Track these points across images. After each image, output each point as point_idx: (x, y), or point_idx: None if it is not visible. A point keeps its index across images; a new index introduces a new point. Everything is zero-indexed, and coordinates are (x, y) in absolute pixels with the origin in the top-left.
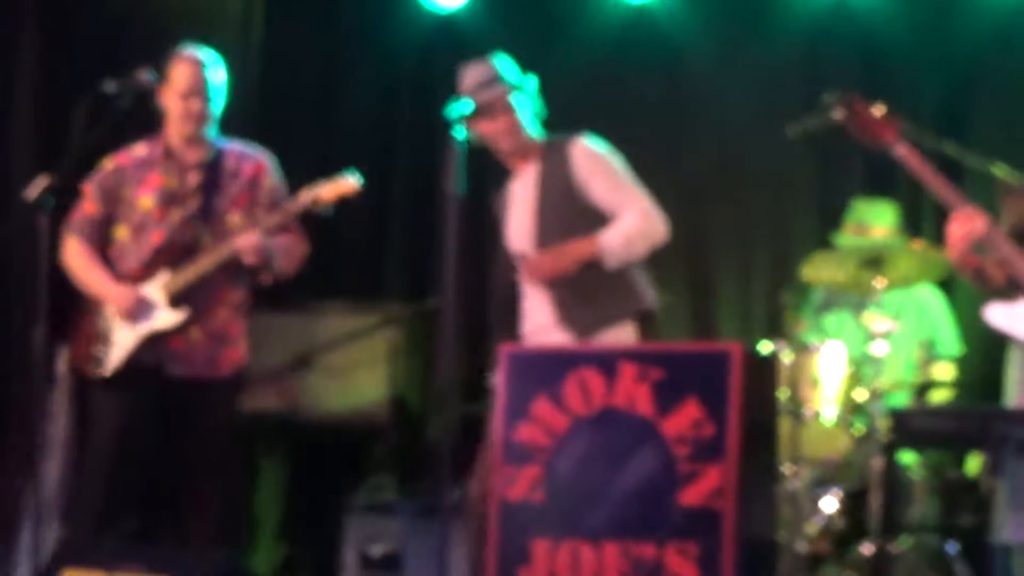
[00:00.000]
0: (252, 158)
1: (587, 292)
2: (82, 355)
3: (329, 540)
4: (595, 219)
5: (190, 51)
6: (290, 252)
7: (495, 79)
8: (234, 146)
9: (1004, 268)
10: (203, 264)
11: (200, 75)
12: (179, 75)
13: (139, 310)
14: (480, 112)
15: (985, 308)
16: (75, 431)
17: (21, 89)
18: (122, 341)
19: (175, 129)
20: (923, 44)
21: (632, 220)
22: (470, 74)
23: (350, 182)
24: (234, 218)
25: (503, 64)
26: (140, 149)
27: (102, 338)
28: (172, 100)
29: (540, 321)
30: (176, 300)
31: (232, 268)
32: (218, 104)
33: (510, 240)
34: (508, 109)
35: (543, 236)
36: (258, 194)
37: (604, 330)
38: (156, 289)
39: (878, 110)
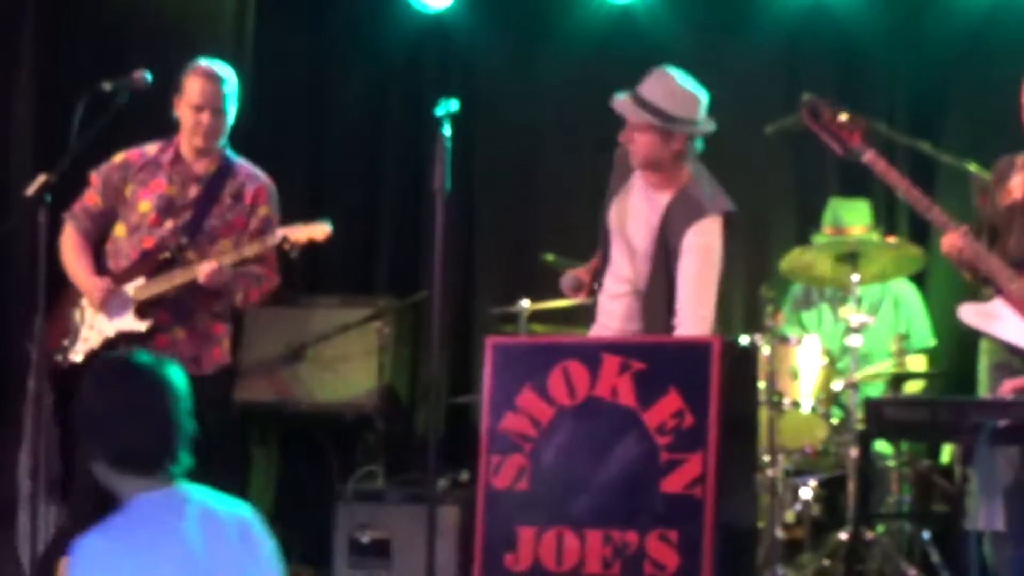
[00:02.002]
0: (256, 182)
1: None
2: (52, 345)
3: (320, 527)
4: (669, 278)
5: (205, 64)
6: (259, 282)
7: (676, 120)
8: (243, 164)
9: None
10: (173, 281)
11: (213, 89)
12: (192, 88)
13: (112, 304)
14: (653, 129)
15: (958, 307)
16: (55, 416)
17: (20, 89)
18: (88, 336)
19: (186, 139)
20: (898, 45)
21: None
22: (667, 87)
23: (322, 228)
24: (226, 242)
25: (693, 96)
26: (152, 148)
27: (73, 330)
28: (185, 112)
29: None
30: (143, 308)
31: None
32: (230, 116)
33: (620, 243)
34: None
35: (646, 273)
36: (251, 220)
37: None
38: (129, 292)
39: (843, 116)
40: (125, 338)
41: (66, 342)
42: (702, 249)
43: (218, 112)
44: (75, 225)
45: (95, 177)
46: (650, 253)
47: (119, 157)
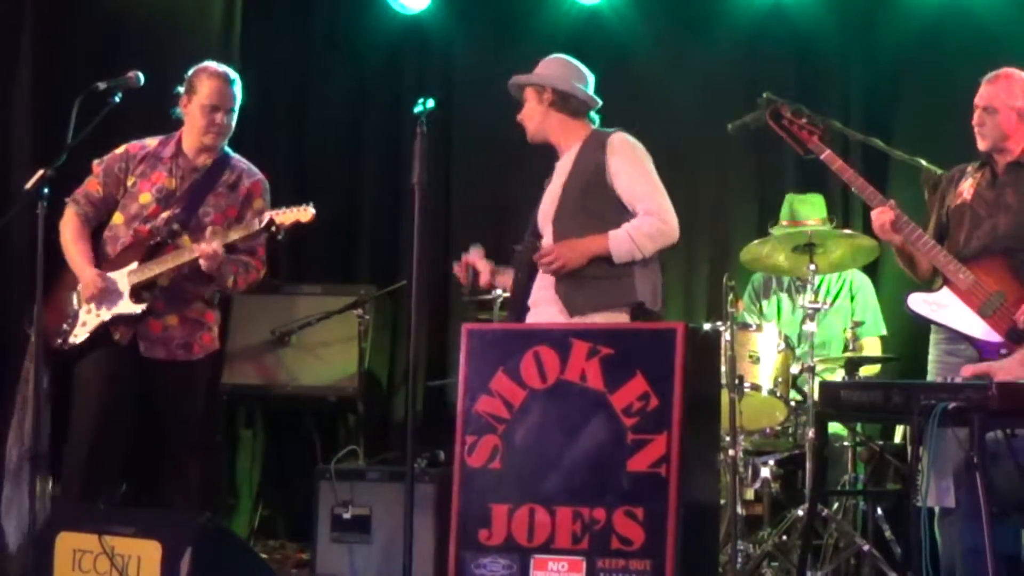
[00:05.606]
0: (252, 176)
1: (584, 277)
2: (51, 328)
3: (304, 503)
4: (614, 205)
5: (216, 66)
6: (247, 270)
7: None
8: (239, 159)
9: (924, 256)
10: (167, 264)
11: (227, 90)
12: (206, 88)
13: (103, 295)
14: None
15: (907, 297)
16: (51, 393)
17: (20, 87)
18: (86, 320)
19: (193, 137)
20: (853, 46)
21: (645, 221)
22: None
23: (307, 211)
24: (217, 227)
25: (560, 60)
26: (152, 142)
27: (72, 315)
28: (195, 110)
29: (543, 294)
30: (138, 291)
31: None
32: (235, 118)
33: (539, 213)
34: (538, 103)
35: (561, 213)
36: (246, 211)
37: (593, 315)
38: (123, 278)
39: (803, 119)
40: (121, 320)
41: (65, 326)
42: (634, 155)
43: (230, 112)
44: (76, 210)
45: (97, 166)
46: (577, 205)
47: (121, 148)
